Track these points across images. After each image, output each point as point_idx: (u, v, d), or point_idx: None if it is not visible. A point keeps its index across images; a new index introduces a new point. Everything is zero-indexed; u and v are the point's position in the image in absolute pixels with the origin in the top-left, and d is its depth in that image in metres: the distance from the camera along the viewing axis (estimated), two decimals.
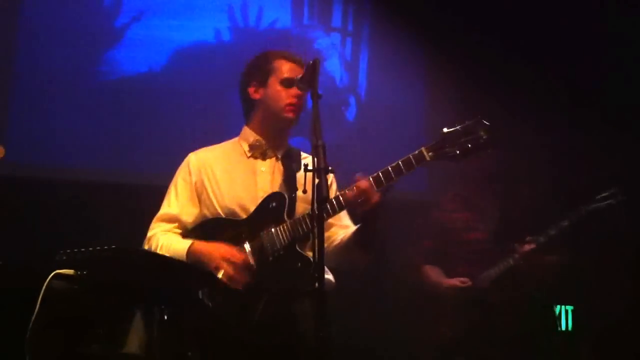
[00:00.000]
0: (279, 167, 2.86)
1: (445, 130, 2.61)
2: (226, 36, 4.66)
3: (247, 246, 2.68)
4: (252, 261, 2.62)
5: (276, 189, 2.79)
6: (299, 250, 2.66)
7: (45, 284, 2.26)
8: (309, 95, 2.54)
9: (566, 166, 4.55)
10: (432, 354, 3.87)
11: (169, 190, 2.89)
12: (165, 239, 2.76)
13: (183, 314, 2.53)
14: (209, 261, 2.62)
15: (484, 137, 2.60)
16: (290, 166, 2.82)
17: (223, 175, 2.85)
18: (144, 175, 4.12)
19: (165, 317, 2.48)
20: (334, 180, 2.94)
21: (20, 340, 2.25)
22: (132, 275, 2.40)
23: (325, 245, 2.69)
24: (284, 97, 2.81)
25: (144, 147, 4.27)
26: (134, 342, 2.49)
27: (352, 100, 4.93)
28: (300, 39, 4.73)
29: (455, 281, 3.80)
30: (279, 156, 2.88)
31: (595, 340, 4.03)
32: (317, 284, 2.18)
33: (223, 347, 2.56)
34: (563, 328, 3.85)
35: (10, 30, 4.27)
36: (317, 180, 2.21)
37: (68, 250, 2.41)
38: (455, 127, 2.61)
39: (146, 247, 2.79)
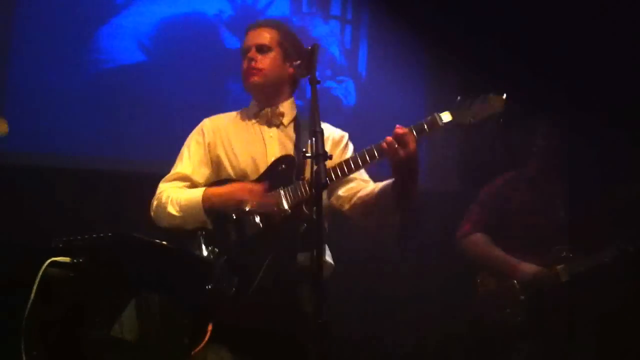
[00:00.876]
0: (287, 134, 2.86)
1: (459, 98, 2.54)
2: (225, 16, 4.63)
3: None
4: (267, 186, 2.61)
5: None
6: (306, 210, 2.60)
7: (41, 271, 2.24)
8: (307, 82, 2.52)
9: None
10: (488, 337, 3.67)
11: (181, 152, 2.90)
12: (174, 192, 2.76)
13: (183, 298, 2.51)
14: (232, 198, 2.62)
15: (498, 107, 2.53)
16: (300, 133, 2.79)
17: (236, 138, 2.86)
18: (140, 163, 4.10)
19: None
20: (349, 144, 2.90)
21: (16, 328, 2.23)
22: (129, 262, 2.38)
23: (349, 195, 2.77)
24: (243, 67, 2.88)
25: (141, 135, 4.24)
26: (127, 327, 2.48)
27: (351, 88, 4.90)
28: (298, 27, 4.70)
29: (533, 267, 3.54)
30: (285, 124, 2.88)
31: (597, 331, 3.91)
32: (315, 271, 2.13)
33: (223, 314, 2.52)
34: None
35: (6, 25, 4.24)
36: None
37: (64, 238, 2.40)
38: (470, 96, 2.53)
39: (155, 203, 2.78)
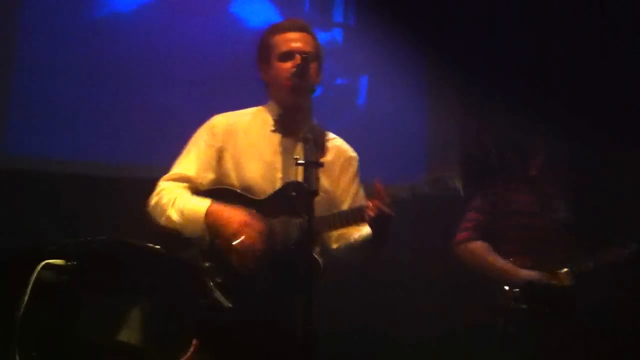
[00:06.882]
0: (300, 147, 2.68)
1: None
2: None
3: None
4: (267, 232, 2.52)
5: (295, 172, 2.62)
6: (310, 249, 2.49)
7: (35, 274, 2.25)
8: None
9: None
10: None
11: (187, 150, 2.76)
12: (179, 195, 2.65)
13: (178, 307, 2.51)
14: (228, 224, 2.52)
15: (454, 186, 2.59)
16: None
17: (246, 146, 2.74)
18: (136, 168, 4.10)
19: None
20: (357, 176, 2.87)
21: (8, 331, 2.25)
22: (122, 266, 2.39)
23: (336, 235, 2.74)
24: (289, 75, 2.66)
25: (138, 139, 4.25)
26: (131, 332, 2.50)
27: (352, 96, 4.91)
28: None
29: (532, 274, 3.54)
30: (301, 135, 2.63)
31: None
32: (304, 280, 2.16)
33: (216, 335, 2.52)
34: None
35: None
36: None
37: (60, 242, 2.41)
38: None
39: (154, 200, 2.69)
